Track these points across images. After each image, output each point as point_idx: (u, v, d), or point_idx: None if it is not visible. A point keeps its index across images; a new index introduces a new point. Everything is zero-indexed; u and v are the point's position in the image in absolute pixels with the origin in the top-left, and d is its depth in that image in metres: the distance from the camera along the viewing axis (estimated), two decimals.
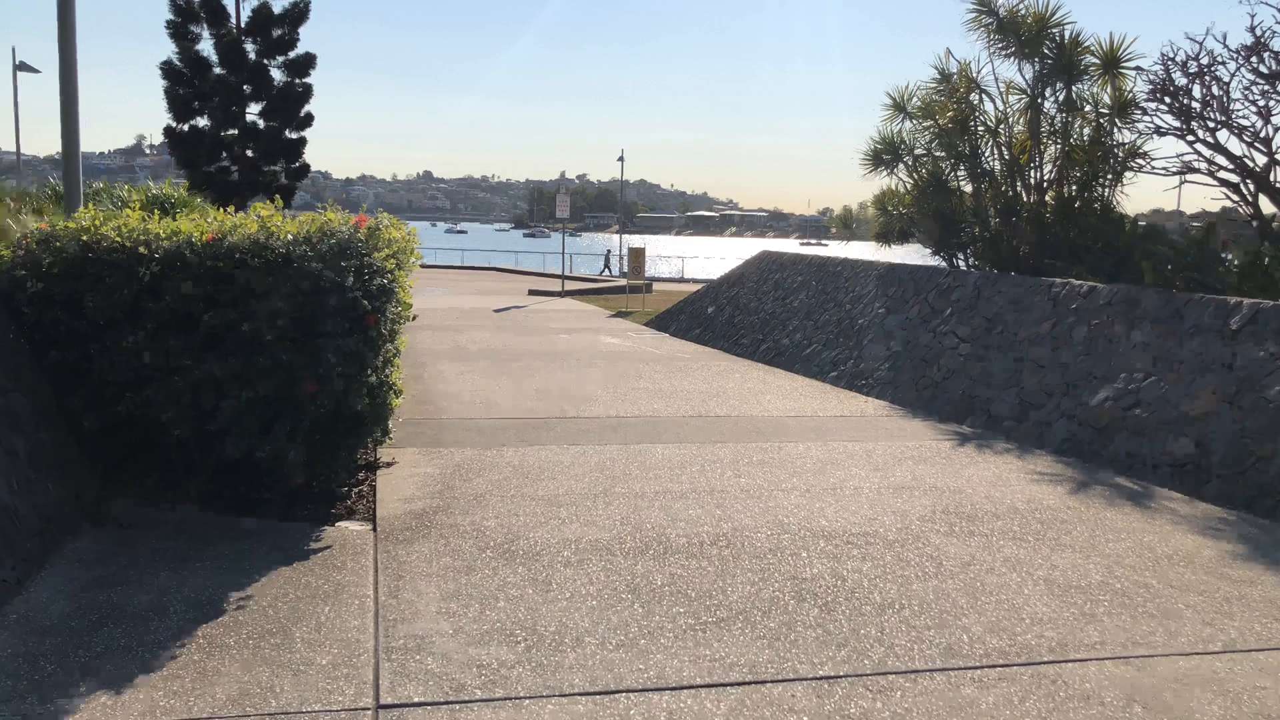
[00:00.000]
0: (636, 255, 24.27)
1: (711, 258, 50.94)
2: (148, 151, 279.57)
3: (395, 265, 6.85)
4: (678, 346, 16.41)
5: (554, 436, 8.92)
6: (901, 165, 15.81)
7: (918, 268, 13.58)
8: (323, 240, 6.12)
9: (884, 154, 15.84)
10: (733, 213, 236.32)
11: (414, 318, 8.26)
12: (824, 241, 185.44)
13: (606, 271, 47.71)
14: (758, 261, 17.99)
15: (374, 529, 6.10)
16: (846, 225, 17.18)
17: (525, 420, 9.66)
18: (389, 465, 7.72)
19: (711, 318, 17.53)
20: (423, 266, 46.66)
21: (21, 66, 26.18)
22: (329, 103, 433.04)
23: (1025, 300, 10.43)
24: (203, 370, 5.78)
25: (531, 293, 28.73)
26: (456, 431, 9.05)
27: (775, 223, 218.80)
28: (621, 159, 46.89)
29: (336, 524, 6.18)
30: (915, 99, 15.50)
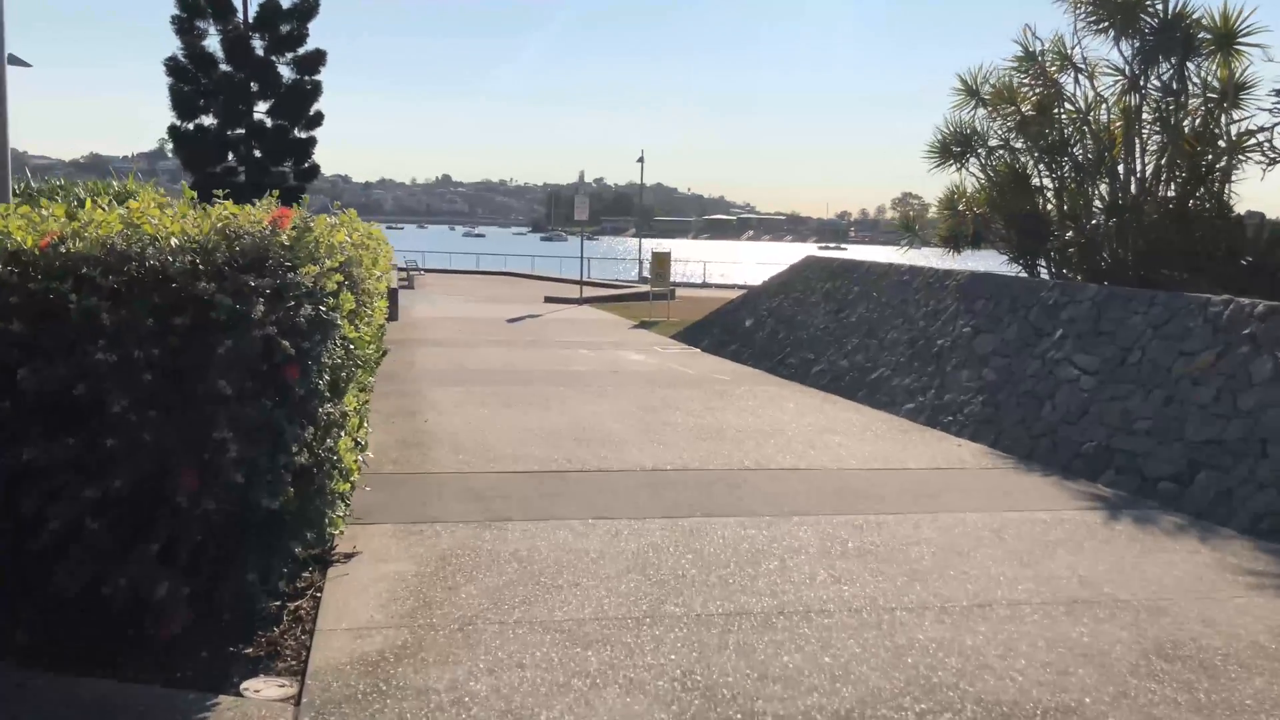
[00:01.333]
0: (661, 261, 21.96)
1: (735, 262, 48.62)
2: (169, 155, 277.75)
3: (341, 285, 4.60)
4: (713, 365, 14.11)
5: (574, 503, 6.64)
6: (973, 159, 13.48)
7: (1011, 279, 11.25)
8: (221, 247, 3.88)
9: (952, 145, 13.49)
10: (750, 216, 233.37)
11: (383, 354, 6.00)
12: (842, 245, 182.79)
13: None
14: (803, 269, 15.67)
15: (298, 700, 3.84)
16: (909, 228, 14.81)
17: (536, 475, 7.39)
18: (348, 557, 5.46)
19: (750, 332, 15.22)
20: (437, 271, 44.40)
21: (11, 60, 24.01)
22: (348, 106, 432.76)
23: (1173, 323, 8.07)
24: (15, 457, 3.54)
25: (548, 300, 26.49)
26: (446, 495, 6.78)
27: (793, 226, 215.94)
28: (641, 160, 44.65)
29: (243, 685, 3.92)
30: (989, 83, 13.17)
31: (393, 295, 19.02)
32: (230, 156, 35.34)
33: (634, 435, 8.96)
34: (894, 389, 10.88)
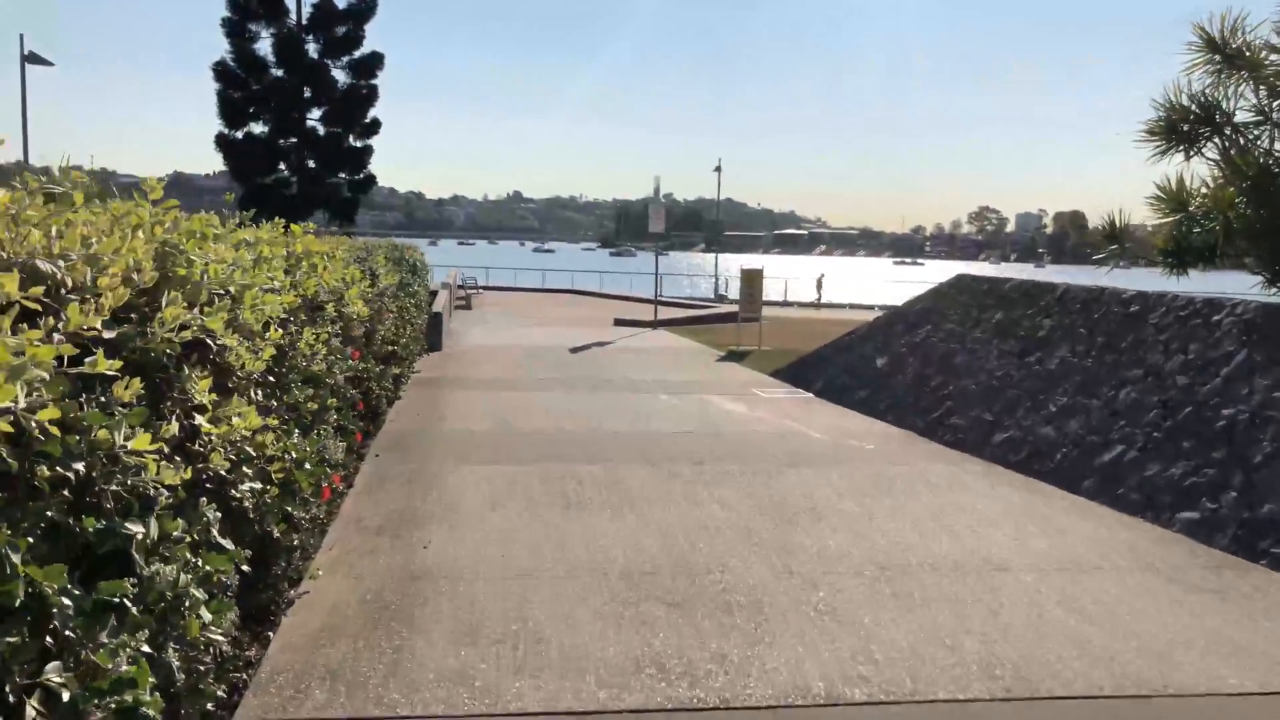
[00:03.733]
0: (753, 279, 18.09)
1: (809, 278, 44.45)
2: None
3: None
4: (842, 422, 10.26)
5: None
6: (1214, 141, 9.45)
7: None
8: None
9: (1181, 123, 9.48)
10: (821, 230, 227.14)
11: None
12: (919, 260, 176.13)
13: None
14: (954, 291, 11.72)
15: None
16: (1114, 239, 10.74)
17: (605, 716, 3.69)
18: None
19: (885, 376, 11.34)
20: (500, 289, 40.96)
21: (31, 58, 21.46)
22: (423, 124, 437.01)
23: None
24: None
25: (618, 322, 22.87)
26: None
27: (866, 241, 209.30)
28: (718, 169, 41.00)
29: None
30: (1242, 34, 9.17)
31: (435, 321, 15.56)
32: (282, 166, 32.61)
33: (770, 584, 5.20)
34: (1152, 482, 6.93)
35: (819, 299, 39.47)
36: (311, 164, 33.13)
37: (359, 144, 33.39)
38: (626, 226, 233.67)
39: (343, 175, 33.62)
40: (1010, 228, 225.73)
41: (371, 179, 33.87)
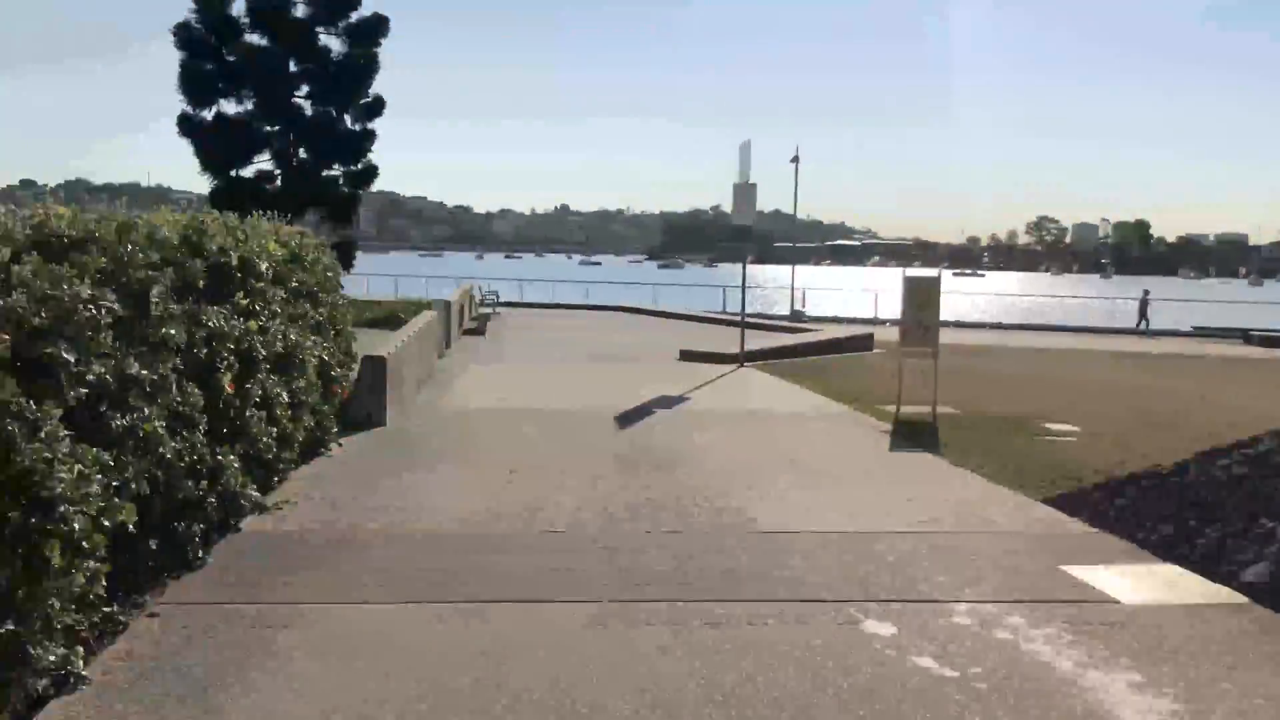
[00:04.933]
0: (926, 295, 10.70)
1: (882, 290, 36.73)
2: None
3: None
4: None
5: None
6: None
7: None
8: None
9: None
10: (874, 242, 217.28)
11: None
12: (979, 271, 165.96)
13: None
14: None
15: None
16: None
17: None
18: None
19: None
20: (536, 306, 33.47)
21: None
22: (472, 136, 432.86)
23: None
24: None
25: (685, 356, 15.72)
26: None
27: (921, 252, 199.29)
28: (795, 159, 33.70)
29: None
30: None
31: (374, 374, 8.52)
32: (262, 154, 25.99)
33: None
34: None
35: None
36: (301, 153, 26.32)
37: (358, 128, 26.46)
38: (674, 239, 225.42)
39: (338, 167, 26.65)
40: (1068, 238, 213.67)
41: (373, 170, 26.91)
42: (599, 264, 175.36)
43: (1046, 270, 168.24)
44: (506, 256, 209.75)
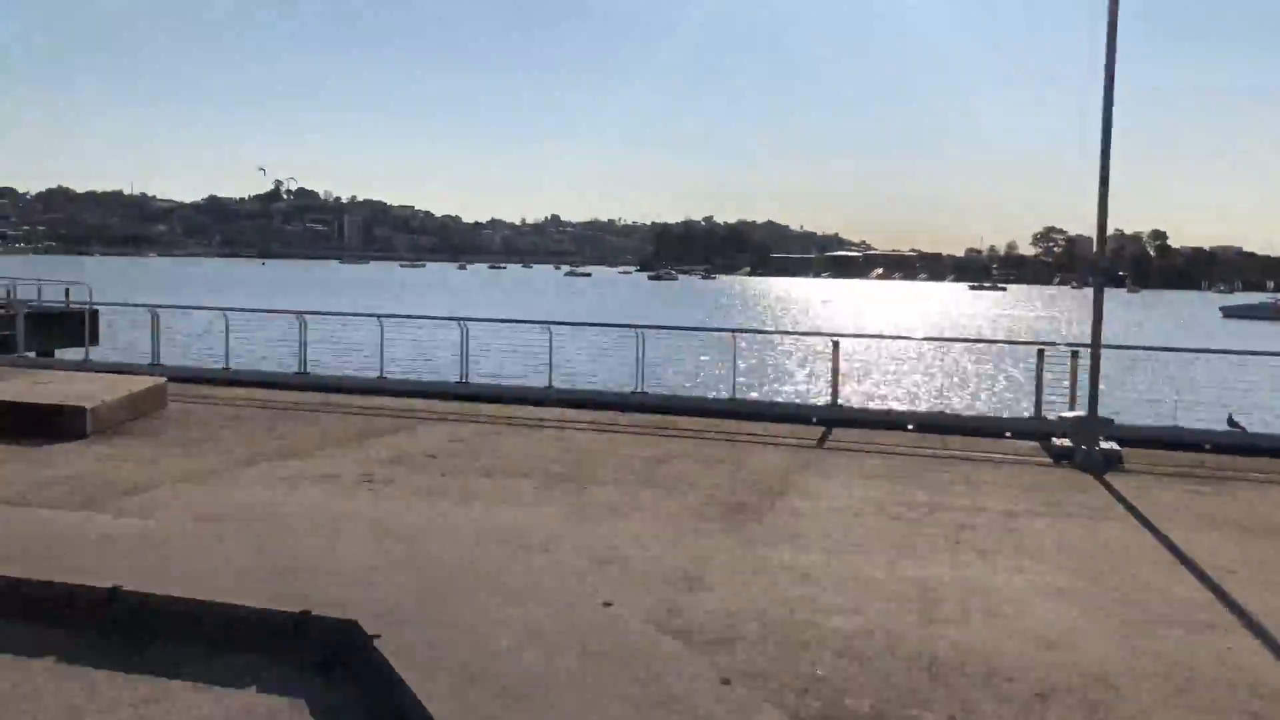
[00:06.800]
0: None
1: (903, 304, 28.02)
2: (285, 197, 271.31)
3: None
4: None
5: None
6: None
7: None
8: None
9: None
10: (875, 253, 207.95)
11: None
12: (1000, 285, 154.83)
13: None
14: None
15: None
16: None
17: None
18: None
19: None
20: (464, 399, 13.16)
21: None
22: (461, 146, 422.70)
23: None
24: None
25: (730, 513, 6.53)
26: None
27: (927, 264, 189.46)
28: None
29: None
30: None
31: None
32: None
33: None
34: None
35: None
36: None
37: None
38: (666, 248, 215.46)
39: None
40: (1074, 249, 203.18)
41: None
42: (589, 275, 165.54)
43: (1066, 283, 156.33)
44: (491, 267, 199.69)
